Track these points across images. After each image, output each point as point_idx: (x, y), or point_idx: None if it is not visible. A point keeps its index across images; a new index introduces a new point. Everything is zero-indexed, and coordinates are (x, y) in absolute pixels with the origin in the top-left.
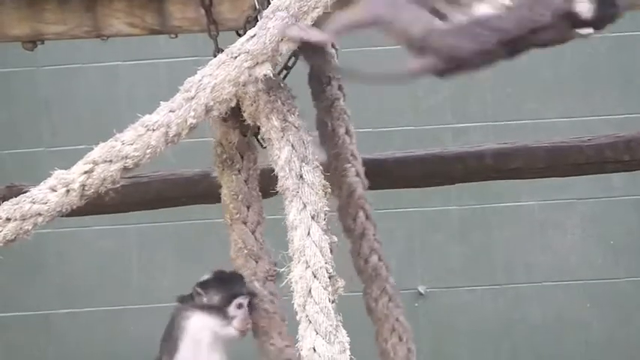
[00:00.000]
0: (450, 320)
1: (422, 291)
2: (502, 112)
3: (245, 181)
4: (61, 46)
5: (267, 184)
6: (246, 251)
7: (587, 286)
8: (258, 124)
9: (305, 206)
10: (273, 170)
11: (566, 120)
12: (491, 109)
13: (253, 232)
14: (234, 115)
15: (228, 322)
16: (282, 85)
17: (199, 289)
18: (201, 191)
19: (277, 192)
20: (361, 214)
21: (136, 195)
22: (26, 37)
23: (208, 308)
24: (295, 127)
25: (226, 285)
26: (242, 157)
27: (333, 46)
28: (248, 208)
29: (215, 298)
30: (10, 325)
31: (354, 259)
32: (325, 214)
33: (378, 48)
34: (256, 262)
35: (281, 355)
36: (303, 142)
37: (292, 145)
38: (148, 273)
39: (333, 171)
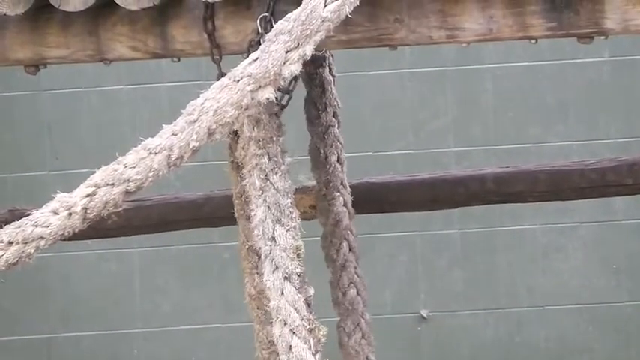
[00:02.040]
0: (452, 344)
1: (424, 315)
2: (505, 136)
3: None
4: (64, 69)
5: None
6: (247, 246)
7: (589, 310)
8: (241, 174)
9: (277, 268)
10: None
11: (569, 144)
12: (493, 133)
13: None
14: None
15: None
16: (274, 138)
17: None
18: (204, 215)
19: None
20: (345, 245)
21: (139, 219)
22: (29, 61)
23: None
24: (274, 188)
25: None
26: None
27: (330, 72)
28: None
29: None
30: (12, 349)
31: (332, 290)
32: (298, 274)
33: (380, 72)
34: (259, 257)
35: (272, 347)
36: (279, 205)
37: (268, 207)
38: (150, 297)
39: (322, 198)
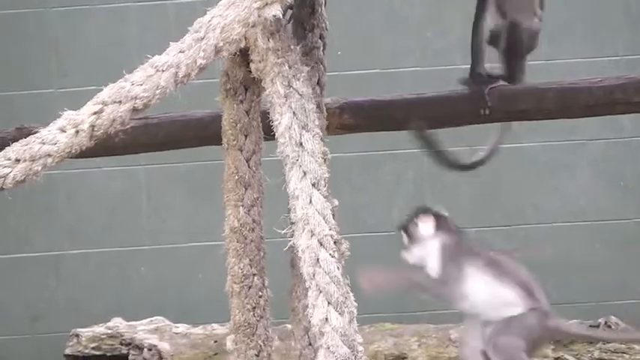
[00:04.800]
0: None
1: None
2: None
3: (246, 112)
4: None
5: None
6: (237, 177)
7: (596, 227)
8: (263, 84)
9: (305, 174)
10: None
11: (577, 61)
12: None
13: (247, 160)
14: (243, 54)
15: None
16: (292, 47)
17: None
18: (211, 133)
19: None
20: None
21: (146, 136)
22: None
23: None
24: (299, 94)
25: None
26: (246, 90)
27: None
28: (246, 136)
29: None
30: (20, 266)
31: (291, 213)
32: (325, 181)
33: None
34: (245, 188)
35: (245, 281)
36: (305, 110)
37: (294, 112)
38: (157, 214)
39: None
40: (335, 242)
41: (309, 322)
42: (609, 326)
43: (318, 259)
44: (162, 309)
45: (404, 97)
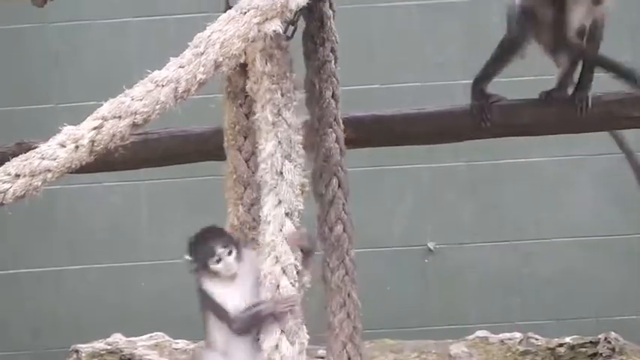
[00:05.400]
0: (459, 276)
1: (431, 247)
2: (512, 69)
3: (246, 115)
4: (71, 1)
5: None
6: (235, 176)
7: (597, 242)
8: (254, 109)
9: (280, 203)
10: None
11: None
12: None
13: (247, 161)
14: (243, 66)
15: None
16: (288, 74)
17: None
18: (211, 148)
19: None
20: (334, 181)
21: (146, 151)
22: None
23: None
24: (287, 124)
25: (198, 251)
26: (246, 96)
27: (330, 7)
28: (245, 138)
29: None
30: (21, 282)
31: (318, 225)
32: (299, 212)
33: (388, 4)
34: (244, 188)
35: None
36: (291, 141)
37: (279, 141)
38: (158, 229)
39: (314, 133)
40: (297, 272)
41: (347, 336)
42: (609, 342)
43: (278, 286)
44: (162, 324)
45: (404, 112)
